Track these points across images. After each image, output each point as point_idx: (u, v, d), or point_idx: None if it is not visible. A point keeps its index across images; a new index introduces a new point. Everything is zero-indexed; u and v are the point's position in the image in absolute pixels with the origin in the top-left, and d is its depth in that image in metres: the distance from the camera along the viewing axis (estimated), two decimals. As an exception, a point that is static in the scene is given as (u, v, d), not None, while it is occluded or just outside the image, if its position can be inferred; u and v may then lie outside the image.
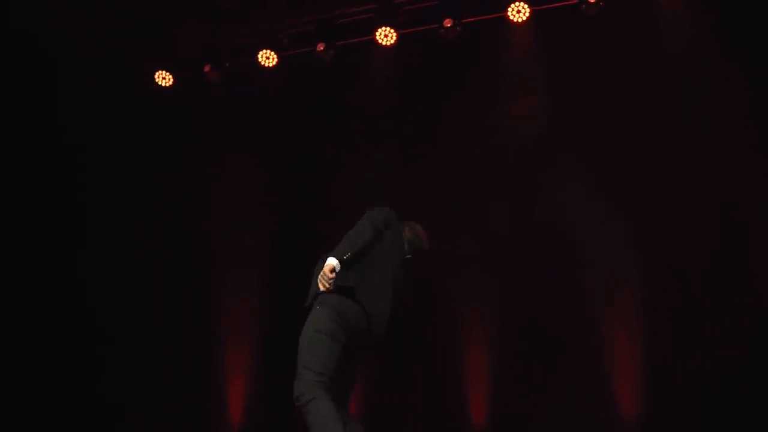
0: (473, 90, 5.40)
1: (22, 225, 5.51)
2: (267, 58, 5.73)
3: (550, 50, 5.23)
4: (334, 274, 3.17)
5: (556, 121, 5.19)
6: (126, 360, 5.76)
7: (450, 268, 5.39)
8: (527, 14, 5.22)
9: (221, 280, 5.89)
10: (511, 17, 5.25)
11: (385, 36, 5.50)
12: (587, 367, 5.03)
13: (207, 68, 5.79)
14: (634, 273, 5.00)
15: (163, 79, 5.93)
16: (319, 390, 3.07)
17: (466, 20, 5.33)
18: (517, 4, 5.19)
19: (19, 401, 5.31)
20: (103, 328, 5.71)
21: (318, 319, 3.19)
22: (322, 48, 5.58)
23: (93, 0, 5.02)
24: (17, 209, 5.53)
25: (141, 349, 5.81)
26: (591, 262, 5.10)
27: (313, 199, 5.80)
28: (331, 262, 3.18)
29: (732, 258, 4.83)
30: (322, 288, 3.19)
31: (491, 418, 5.21)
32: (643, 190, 5.03)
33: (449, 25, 5.31)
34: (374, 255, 3.31)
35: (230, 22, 5.62)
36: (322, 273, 3.18)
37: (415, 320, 5.45)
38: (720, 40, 4.81)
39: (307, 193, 5.82)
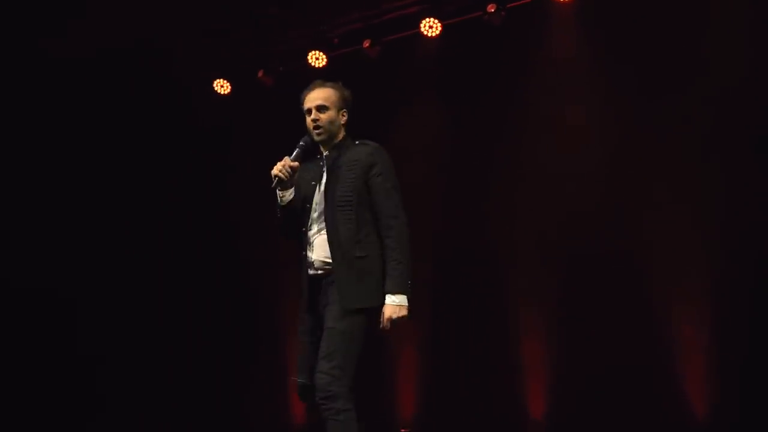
0: (519, 76, 5.22)
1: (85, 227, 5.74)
2: (317, 59, 5.81)
3: (599, 29, 4.97)
4: None
5: (608, 103, 4.92)
6: (182, 360, 5.89)
7: (504, 258, 5.23)
8: (574, -8, 5.02)
9: (279, 280, 5.97)
10: (557, -4, 5.06)
11: (430, 27, 5.45)
12: (652, 361, 4.70)
13: (260, 73, 5.94)
14: (701, 260, 4.62)
15: (221, 87, 6.14)
16: (352, 401, 2.88)
17: (510, 4, 5.20)
18: (563, -18, 5.00)
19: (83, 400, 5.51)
20: (159, 330, 5.86)
21: (364, 324, 2.91)
22: (368, 45, 5.61)
23: (139, 13, 5.22)
24: (86, 211, 5.75)
25: (197, 350, 5.93)
26: (654, 249, 4.77)
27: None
28: (404, 303, 2.88)
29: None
30: (387, 325, 2.89)
31: (550, 414, 4.96)
32: (706, 171, 4.66)
33: (493, 10, 5.19)
34: None
35: (279, 26, 5.74)
36: (398, 319, 2.87)
37: (470, 313, 5.32)
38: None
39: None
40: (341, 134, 3.11)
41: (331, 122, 3.06)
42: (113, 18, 5.24)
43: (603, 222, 4.94)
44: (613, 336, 4.81)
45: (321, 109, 3.04)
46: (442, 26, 5.41)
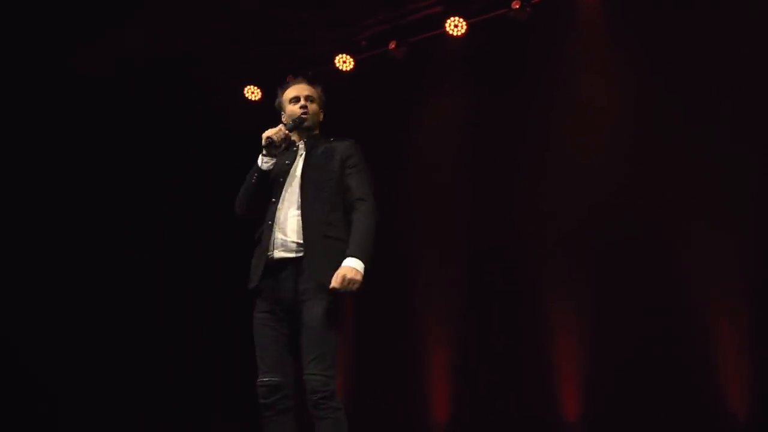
0: (543, 72, 5.16)
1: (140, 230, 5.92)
2: (344, 62, 5.85)
3: (625, 22, 4.89)
4: None
5: (635, 98, 4.82)
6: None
7: (534, 256, 5.16)
8: (601, -15, 4.95)
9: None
10: (584, -10, 5.00)
11: (456, 26, 5.44)
12: (689, 359, 4.56)
13: (289, 78, 5.98)
14: (737, 254, 4.46)
15: (252, 93, 6.22)
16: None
17: (535, 0, 5.15)
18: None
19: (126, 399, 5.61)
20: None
21: (341, 315, 2.93)
22: (393, 46, 5.62)
23: (169, 23, 5.34)
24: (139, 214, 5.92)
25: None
26: (689, 242, 4.64)
27: (394, 198, 5.80)
28: (361, 270, 2.84)
29: None
30: (336, 286, 2.83)
31: (585, 415, 4.86)
32: (738, 163, 4.49)
33: (518, 6, 5.15)
34: None
35: (305, 30, 5.79)
36: (351, 282, 2.82)
37: (501, 313, 5.27)
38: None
39: (391, 194, 5.82)
40: (317, 130, 3.22)
41: (315, 114, 3.19)
42: (144, 29, 5.38)
43: (634, 217, 4.83)
44: (648, 333, 4.70)
45: (308, 98, 3.18)
46: (468, 25, 5.41)
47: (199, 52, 5.76)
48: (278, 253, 2.96)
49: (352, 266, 2.83)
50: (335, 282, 2.82)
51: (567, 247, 5.06)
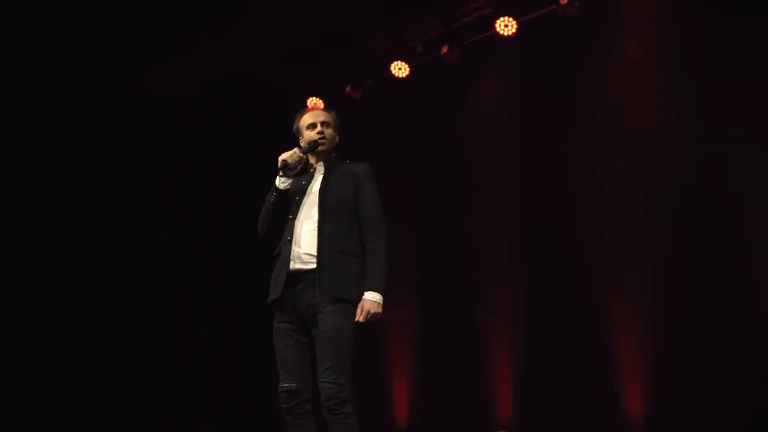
0: (584, 64, 5.09)
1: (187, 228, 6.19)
2: (399, 69, 5.96)
3: (675, 10, 4.73)
4: None
5: (687, 93, 4.67)
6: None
7: (594, 256, 5.08)
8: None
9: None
10: (633, -18, 4.88)
11: (506, 26, 5.42)
12: (758, 359, 4.38)
13: (348, 88, 6.17)
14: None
15: (314, 104, 6.43)
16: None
17: (584, -6, 5.06)
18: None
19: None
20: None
21: (353, 326, 3.06)
22: (446, 50, 5.67)
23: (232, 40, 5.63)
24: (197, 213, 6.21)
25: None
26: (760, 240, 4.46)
27: (452, 200, 5.87)
28: (381, 302, 3.07)
29: None
30: (361, 320, 3.05)
31: (649, 416, 4.75)
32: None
33: (566, 2, 5.08)
34: None
35: (361, 38, 5.94)
36: (375, 315, 3.05)
37: (564, 311, 5.23)
38: None
39: (450, 196, 5.90)
40: (334, 153, 3.37)
41: (332, 138, 3.33)
42: (209, 50, 5.70)
43: (698, 209, 4.72)
44: (714, 331, 4.55)
45: (324, 124, 3.31)
46: (518, 24, 5.38)
47: (260, 66, 6.03)
48: (295, 265, 3.14)
49: (373, 300, 3.06)
50: (359, 316, 3.05)
51: (627, 243, 4.96)
